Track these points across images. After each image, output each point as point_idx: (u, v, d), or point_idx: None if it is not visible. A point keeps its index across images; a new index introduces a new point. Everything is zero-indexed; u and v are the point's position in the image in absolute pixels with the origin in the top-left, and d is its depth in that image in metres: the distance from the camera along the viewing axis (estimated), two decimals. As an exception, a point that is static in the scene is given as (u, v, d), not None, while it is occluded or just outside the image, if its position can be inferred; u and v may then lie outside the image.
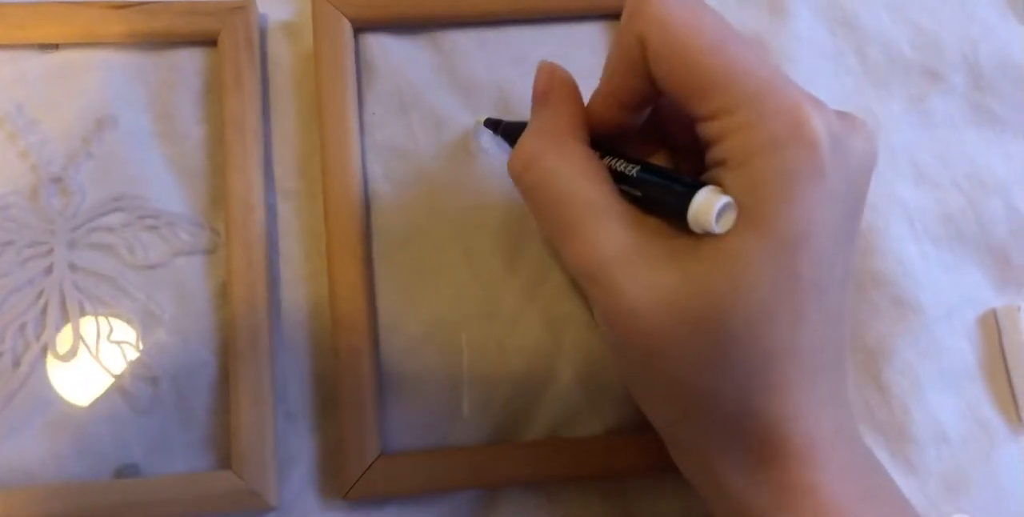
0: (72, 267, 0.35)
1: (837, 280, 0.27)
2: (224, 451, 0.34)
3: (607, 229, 0.27)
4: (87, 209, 0.35)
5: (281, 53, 0.38)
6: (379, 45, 0.38)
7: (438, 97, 0.38)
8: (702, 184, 0.27)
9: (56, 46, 0.37)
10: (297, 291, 0.36)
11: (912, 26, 0.41)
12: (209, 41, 0.37)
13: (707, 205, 0.26)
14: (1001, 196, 0.40)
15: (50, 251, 0.35)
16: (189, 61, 0.37)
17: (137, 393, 0.34)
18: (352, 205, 0.35)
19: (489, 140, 0.38)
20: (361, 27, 0.38)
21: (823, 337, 0.27)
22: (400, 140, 0.38)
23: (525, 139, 0.30)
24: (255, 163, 0.36)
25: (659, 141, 0.32)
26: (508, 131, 0.36)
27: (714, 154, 0.27)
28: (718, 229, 0.26)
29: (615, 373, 0.36)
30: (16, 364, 0.34)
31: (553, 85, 0.30)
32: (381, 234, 0.37)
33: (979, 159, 0.40)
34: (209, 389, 0.35)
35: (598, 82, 0.30)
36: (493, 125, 0.37)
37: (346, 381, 0.34)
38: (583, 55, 0.39)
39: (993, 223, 0.40)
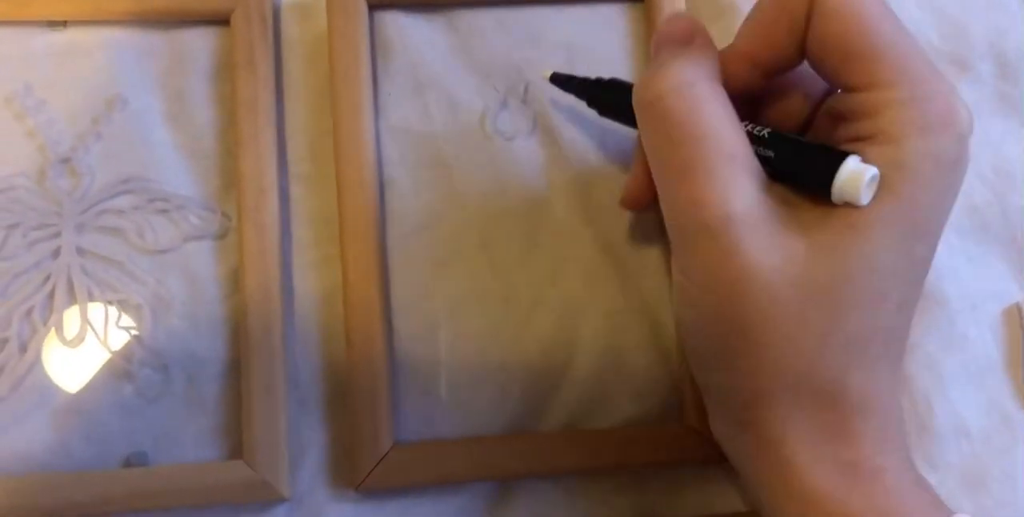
0: (80, 251, 0.34)
1: (926, 273, 0.28)
2: (235, 440, 0.34)
3: (740, 181, 0.26)
4: (95, 191, 0.35)
5: (294, 32, 0.37)
6: (394, 24, 0.37)
7: (454, 78, 0.38)
8: (845, 152, 0.26)
9: (64, 24, 0.36)
10: (309, 277, 0.36)
11: (939, 14, 0.41)
12: (221, 20, 0.36)
13: (857, 174, 0.26)
14: (1027, 187, 0.39)
15: (57, 234, 0.34)
16: (201, 40, 0.37)
17: (146, 380, 0.34)
18: (366, 189, 0.35)
19: (507, 121, 0.37)
20: (376, 5, 0.37)
21: (907, 322, 0.28)
22: (415, 122, 0.37)
23: (676, 65, 0.27)
24: (267, 145, 0.35)
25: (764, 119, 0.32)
26: (584, 88, 0.35)
27: (860, 128, 0.27)
28: (864, 201, 0.26)
29: (634, 363, 0.36)
30: (23, 349, 0.33)
31: (697, 31, 0.29)
32: (395, 219, 0.36)
33: (1005, 150, 0.40)
34: (219, 377, 0.34)
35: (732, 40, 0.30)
36: (562, 81, 0.35)
37: (359, 369, 0.33)
38: (601, 38, 0.38)
39: (1019, 215, 0.39)
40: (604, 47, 0.38)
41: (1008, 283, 0.39)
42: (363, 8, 0.36)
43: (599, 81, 0.34)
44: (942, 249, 0.38)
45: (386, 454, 0.33)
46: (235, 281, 0.35)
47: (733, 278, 0.26)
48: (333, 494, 0.34)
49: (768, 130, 0.28)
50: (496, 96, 0.38)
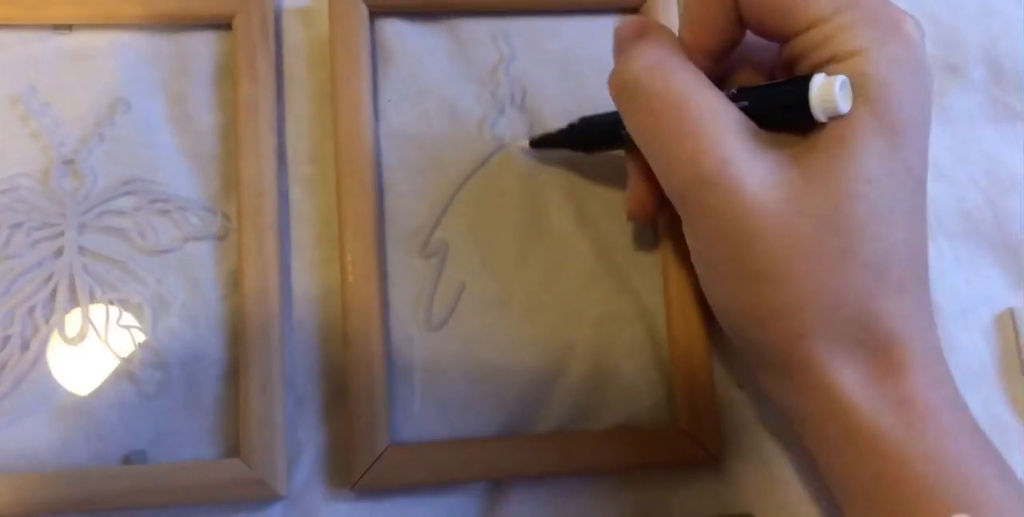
0: (82, 250, 0.35)
1: (925, 187, 0.28)
2: (232, 439, 0.34)
3: (728, 129, 0.27)
4: (98, 192, 0.35)
5: (296, 37, 0.38)
6: (395, 31, 0.38)
7: (453, 85, 0.38)
8: (809, 74, 0.27)
9: (70, 27, 0.36)
10: (308, 278, 0.36)
11: (931, 20, 0.41)
12: (224, 24, 0.37)
13: (828, 84, 0.26)
14: (1020, 193, 0.39)
15: (60, 234, 0.35)
16: (203, 44, 0.37)
17: (146, 379, 0.34)
18: (366, 192, 0.35)
19: (505, 127, 0.38)
20: (377, 12, 0.37)
21: (923, 242, 0.28)
22: (415, 127, 0.37)
23: (639, 49, 0.29)
24: (268, 148, 0.35)
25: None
26: (562, 137, 0.36)
27: (816, 58, 0.28)
28: (843, 107, 0.26)
29: (628, 367, 0.36)
30: (24, 348, 0.34)
31: (650, 24, 0.31)
32: (394, 222, 0.36)
33: (997, 155, 0.40)
34: (218, 376, 0.35)
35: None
36: (539, 142, 0.37)
37: (356, 370, 0.34)
38: (599, 48, 0.39)
39: (1011, 220, 0.39)
40: (601, 57, 0.38)
41: (1000, 288, 0.39)
42: (364, 15, 0.37)
43: (572, 125, 0.35)
44: (932, 253, 0.38)
45: (382, 454, 0.33)
46: (235, 282, 0.35)
47: (740, 220, 0.27)
48: (329, 493, 0.34)
49: (734, 90, 0.29)
50: (494, 103, 0.38)
